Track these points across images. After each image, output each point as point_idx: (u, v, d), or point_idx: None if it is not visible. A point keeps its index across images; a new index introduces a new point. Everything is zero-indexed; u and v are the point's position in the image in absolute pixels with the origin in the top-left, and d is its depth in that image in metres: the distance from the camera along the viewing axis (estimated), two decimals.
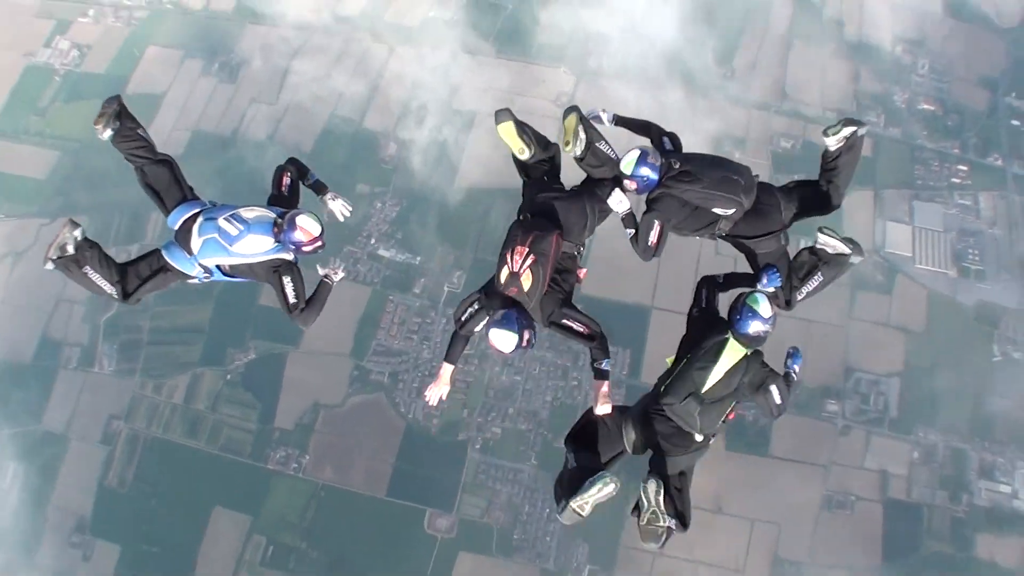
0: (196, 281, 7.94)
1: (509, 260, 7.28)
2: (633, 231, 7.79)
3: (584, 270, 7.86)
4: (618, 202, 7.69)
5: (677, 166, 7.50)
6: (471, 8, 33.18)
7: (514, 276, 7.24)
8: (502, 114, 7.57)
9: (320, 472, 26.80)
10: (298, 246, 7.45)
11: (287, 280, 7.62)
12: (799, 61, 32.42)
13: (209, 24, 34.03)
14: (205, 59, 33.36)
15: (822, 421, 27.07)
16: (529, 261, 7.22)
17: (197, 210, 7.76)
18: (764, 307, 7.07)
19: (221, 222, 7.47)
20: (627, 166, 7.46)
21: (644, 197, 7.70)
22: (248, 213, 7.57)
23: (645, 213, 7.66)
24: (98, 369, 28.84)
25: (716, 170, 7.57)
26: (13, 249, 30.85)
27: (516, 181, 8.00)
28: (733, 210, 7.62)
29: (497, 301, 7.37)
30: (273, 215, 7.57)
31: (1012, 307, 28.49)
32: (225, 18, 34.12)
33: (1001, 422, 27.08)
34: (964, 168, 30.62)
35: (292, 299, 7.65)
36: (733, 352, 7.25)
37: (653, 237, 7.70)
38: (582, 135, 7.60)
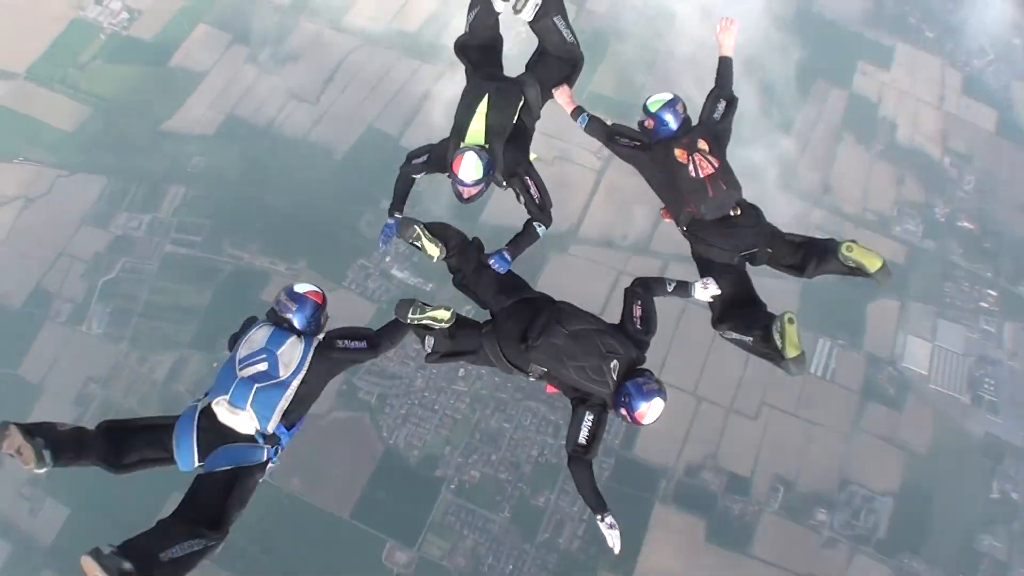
0: (272, 465, 6.89)
1: (694, 161, 7.61)
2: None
3: None
4: (703, 290, 7.78)
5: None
6: (528, 45, 32.26)
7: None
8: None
9: (286, 480, 25.68)
10: (316, 318, 6.92)
11: (340, 344, 7.04)
12: (847, 155, 31.93)
13: (264, 13, 33.71)
14: (253, 47, 33.09)
15: (808, 529, 26.05)
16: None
17: (196, 414, 6.67)
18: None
19: (245, 372, 6.53)
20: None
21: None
22: (253, 343, 6.71)
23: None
24: (86, 329, 28.27)
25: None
26: (25, 194, 30.48)
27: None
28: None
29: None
30: (270, 323, 6.88)
31: (1018, 445, 27.68)
32: (281, 10, 33.85)
33: (988, 563, 26.14)
34: (994, 294, 29.92)
35: (361, 345, 7.23)
36: None
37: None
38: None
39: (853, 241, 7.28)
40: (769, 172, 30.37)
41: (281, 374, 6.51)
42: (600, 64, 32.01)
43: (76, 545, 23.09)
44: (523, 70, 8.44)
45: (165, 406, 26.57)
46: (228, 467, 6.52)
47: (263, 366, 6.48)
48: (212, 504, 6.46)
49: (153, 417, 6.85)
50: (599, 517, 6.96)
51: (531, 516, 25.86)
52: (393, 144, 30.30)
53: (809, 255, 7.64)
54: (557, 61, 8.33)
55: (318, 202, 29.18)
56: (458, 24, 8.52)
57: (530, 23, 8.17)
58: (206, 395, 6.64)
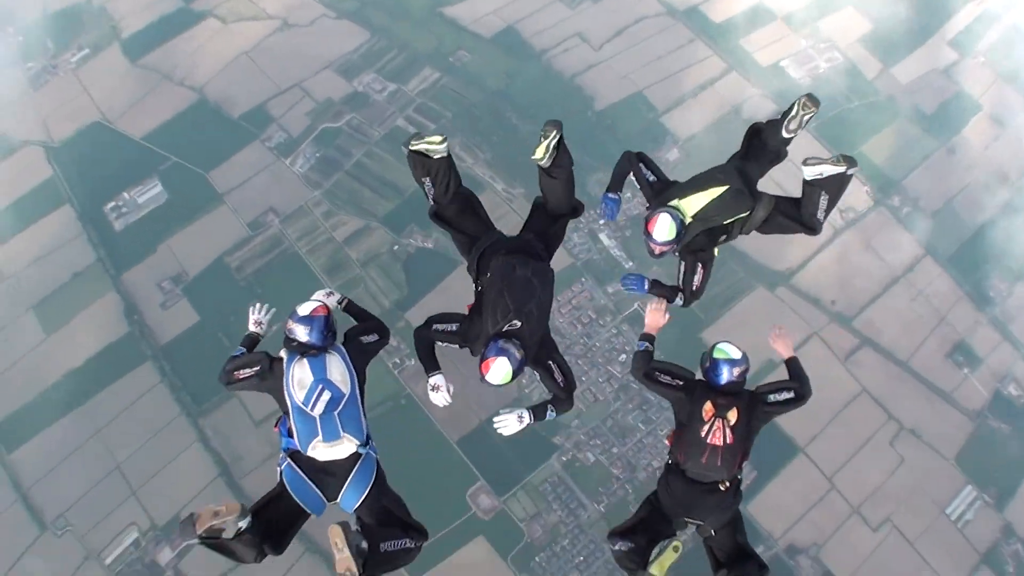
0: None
1: (713, 424, 7.24)
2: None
3: None
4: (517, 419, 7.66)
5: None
6: (821, 80, 31.83)
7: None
8: None
9: (413, 384, 25.45)
10: (329, 329, 7.04)
11: (365, 340, 7.34)
12: None
13: None
14: None
15: None
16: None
17: (293, 468, 6.92)
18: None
19: (317, 409, 6.68)
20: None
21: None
22: (303, 383, 6.77)
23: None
24: (289, 163, 28.59)
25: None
26: (285, 17, 31.25)
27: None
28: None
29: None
30: (296, 355, 6.88)
31: None
32: None
33: None
34: None
35: (375, 338, 7.46)
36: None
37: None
38: None
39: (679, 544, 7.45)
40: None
41: (345, 391, 6.77)
42: (883, 130, 31.33)
43: (190, 354, 23.45)
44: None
45: (332, 264, 27.16)
46: (366, 493, 6.89)
47: (327, 395, 6.70)
48: (388, 519, 6.97)
49: (267, 495, 6.90)
50: None
51: (624, 518, 24.99)
52: (655, 118, 30.21)
53: (733, 565, 7.46)
54: (798, 221, 8.01)
55: None
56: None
57: (805, 176, 7.70)
58: (287, 450, 6.90)
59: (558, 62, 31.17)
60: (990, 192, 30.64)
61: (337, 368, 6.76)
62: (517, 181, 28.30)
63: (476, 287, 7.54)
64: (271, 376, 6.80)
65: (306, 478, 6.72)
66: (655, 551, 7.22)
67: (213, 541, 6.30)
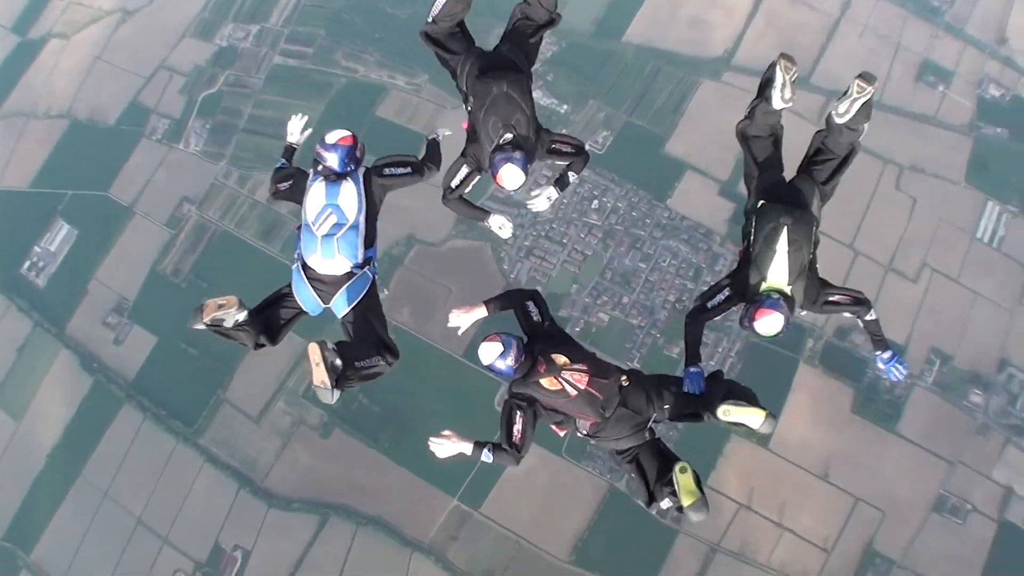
0: (377, 277, 7.68)
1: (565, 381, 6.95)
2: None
3: None
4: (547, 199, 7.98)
5: None
6: None
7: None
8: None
9: (396, 312, 23.83)
10: (350, 158, 7.38)
11: (387, 171, 7.65)
12: None
13: None
14: None
15: (962, 411, 23.28)
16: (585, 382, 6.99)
17: (301, 271, 7.50)
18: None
19: (322, 230, 7.23)
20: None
21: None
22: (316, 202, 7.33)
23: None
24: (183, 146, 27.10)
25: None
26: (123, 7, 29.49)
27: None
28: None
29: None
30: (320, 177, 7.35)
31: None
32: None
33: None
34: None
35: (406, 171, 7.73)
36: None
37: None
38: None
39: (687, 466, 6.75)
40: None
41: (349, 219, 7.25)
42: None
43: (163, 378, 21.99)
44: None
45: (267, 227, 25.83)
46: (354, 304, 7.37)
47: (333, 219, 7.23)
48: (368, 335, 7.33)
49: (274, 293, 7.65)
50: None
51: (663, 368, 23.37)
52: None
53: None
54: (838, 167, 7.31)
55: None
56: None
57: (845, 124, 7.01)
58: (297, 255, 7.45)
59: None
60: None
61: (348, 196, 7.19)
62: (417, 69, 26.72)
63: (467, 110, 7.73)
64: (301, 191, 7.40)
65: (307, 283, 7.30)
66: (676, 488, 6.70)
67: (216, 328, 6.91)
